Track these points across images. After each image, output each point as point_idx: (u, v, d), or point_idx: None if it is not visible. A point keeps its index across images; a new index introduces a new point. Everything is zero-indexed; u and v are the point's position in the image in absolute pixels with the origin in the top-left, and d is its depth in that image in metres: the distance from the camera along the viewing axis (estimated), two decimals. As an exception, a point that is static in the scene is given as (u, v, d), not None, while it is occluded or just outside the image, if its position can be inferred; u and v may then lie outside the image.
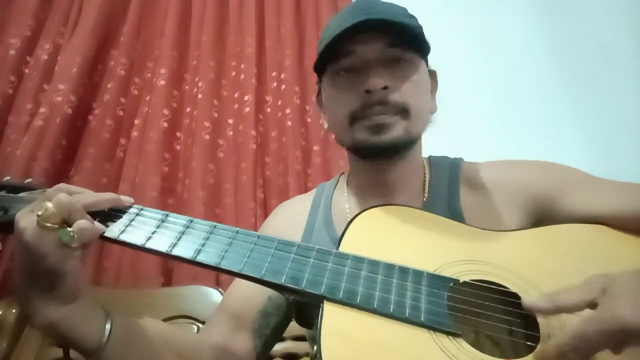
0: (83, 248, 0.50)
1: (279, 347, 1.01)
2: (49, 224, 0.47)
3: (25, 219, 0.49)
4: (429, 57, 0.72)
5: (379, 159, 0.69)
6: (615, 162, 1.21)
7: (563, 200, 0.63)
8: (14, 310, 1.08)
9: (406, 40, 0.64)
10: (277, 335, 0.73)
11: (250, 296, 0.70)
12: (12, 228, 0.50)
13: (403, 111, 0.64)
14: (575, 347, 0.40)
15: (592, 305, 0.42)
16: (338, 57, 0.66)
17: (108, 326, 0.52)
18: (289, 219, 0.79)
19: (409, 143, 0.66)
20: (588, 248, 0.56)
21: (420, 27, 0.67)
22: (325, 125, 0.76)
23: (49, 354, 1.07)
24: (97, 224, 0.53)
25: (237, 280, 0.73)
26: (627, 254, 0.56)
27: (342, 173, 0.82)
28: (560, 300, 0.43)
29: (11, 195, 0.58)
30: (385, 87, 0.63)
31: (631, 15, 1.41)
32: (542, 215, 0.65)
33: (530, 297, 0.46)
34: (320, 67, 0.70)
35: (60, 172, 1.33)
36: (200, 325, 1.08)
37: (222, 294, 1.12)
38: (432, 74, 0.73)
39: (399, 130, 0.63)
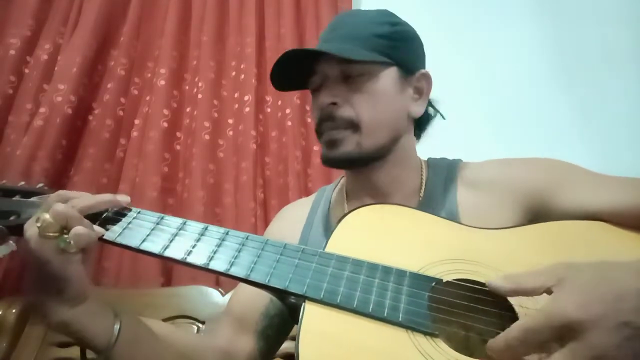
0: (83, 252, 0.53)
1: (279, 347, 1.01)
2: (49, 234, 0.50)
3: (31, 229, 0.52)
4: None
5: (351, 169, 0.73)
6: (614, 163, 1.21)
7: (559, 197, 0.62)
8: (14, 310, 1.09)
9: (359, 56, 0.65)
10: (281, 336, 0.75)
11: (252, 299, 0.72)
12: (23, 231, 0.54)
13: (352, 125, 0.66)
14: (522, 340, 0.39)
15: (549, 292, 0.41)
16: (309, 76, 0.71)
17: (117, 326, 0.54)
18: (290, 221, 0.81)
19: (365, 156, 0.68)
20: (583, 245, 0.55)
21: (388, 36, 0.67)
22: None
23: (49, 354, 1.07)
24: (96, 227, 0.55)
25: (241, 284, 0.74)
26: (627, 251, 0.54)
27: (343, 176, 0.83)
28: (520, 282, 0.43)
29: (23, 200, 0.61)
30: (334, 103, 0.67)
31: (631, 15, 1.41)
32: (539, 212, 0.64)
33: (493, 279, 0.45)
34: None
35: (60, 172, 1.34)
36: (200, 325, 1.08)
37: (222, 294, 1.12)
38: (423, 76, 0.72)
39: (350, 145, 0.67)
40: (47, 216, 0.50)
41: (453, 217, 0.65)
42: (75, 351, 1.06)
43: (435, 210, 0.64)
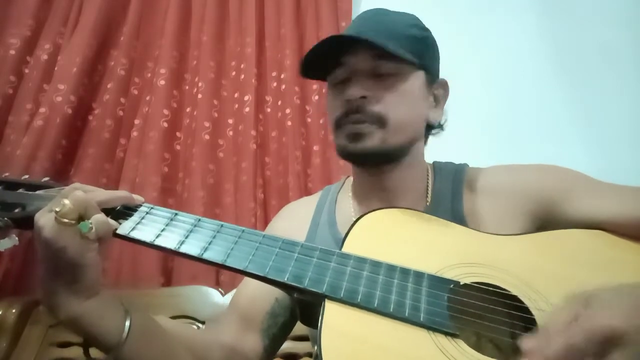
0: (100, 243, 0.52)
1: (279, 347, 1.01)
2: (66, 220, 0.49)
3: (44, 217, 0.51)
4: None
5: (367, 166, 0.72)
6: (614, 163, 1.21)
7: (566, 205, 0.63)
8: (14, 310, 1.08)
9: (393, 54, 0.65)
10: (285, 334, 0.75)
11: (258, 297, 0.72)
12: (30, 224, 0.53)
13: (380, 121, 0.66)
14: (562, 358, 0.39)
15: (579, 317, 0.41)
16: (334, 67, 0.69)
17: (127, 323, 0.54)
18: (294, 220, 0.80)
19: (387, 153, 0.68)
20: (588, 253, 0.57)
21: (419, 40, 0.68)
22: None
23: (49, 354, 1.07)
24: (110, 220, 0.55)
25: (245, 281, 0.75)
26: (626, 260, 0.56)
27: (348, 176, 0.83)
28: (553, 332, 0.41)
29: (29, 192, 0.61)
30: (364, 97, 0.66)
31: (631, 15, 1.41)
32: (545, 220, 0.65)
33: (526, 342, 0.42)
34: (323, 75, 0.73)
35: (60, 172, 1.34)
36: (200, 325, 1.08)
37: (222, 294, 1.12)
38: (441, 84, 0.73)
39: (374, 140, 0.66)
40: (67, 201, 0.50)
41: (461, 223, 0.65)
42: (75, 351, 1.06)
43: (443, 216, 0.64)
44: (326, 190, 0.84)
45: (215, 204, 1.33)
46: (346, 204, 0.77)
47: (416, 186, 0.73)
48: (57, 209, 0.49)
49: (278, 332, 0.72)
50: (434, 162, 0.78)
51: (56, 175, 1.31)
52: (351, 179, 0.81)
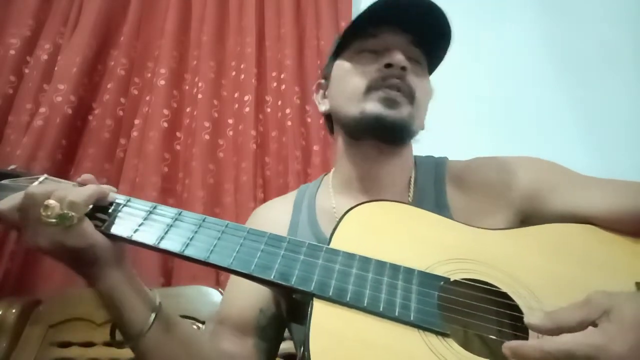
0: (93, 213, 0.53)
1: (278, 347, 1.01)
2: (50, 220, 0.50)
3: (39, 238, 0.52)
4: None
5: (380, 141, 0.69)
6: (614, 163, 1.21)
7: (550, 199, 0.62)
8: (14, 310, 1.08)
9: (428, 41, 0.68)
10: (277, 342, 0.73)
11: (245, 311, 0.70)
12: None
13: (411, 96, 0.67)
14: (558, 359, 0.38)
15: (594, 325, 0.40)
16: (366, 37, 0.69)
17: (153, 315, 0.55)
18: (271, 220, 0.76)
19: (412, 130, 0.68)
20: (577, 248, 0.56)
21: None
22: (324, 108, 0.77)
23: (49, 354, 1.07)
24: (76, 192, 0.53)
25: (229, 290, 0.74)
26: (618, 256, 0.55)
27: (326, 174, 0.81)
28: (562, 321, 0.41)
29: None
30: (404, 68, 0.66)
31: (631, 15, 1.41)
32: (530, 214, 0.64)
33: (532, 316, 0.43)
34: (340, 47, 0.73)
35: (60, 172, 1.33)
36: (200, 325, 1.08)
37: (222, 294, 1.11)
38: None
39: (406, 112, 0.66)
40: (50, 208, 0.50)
41: (445, 217, 0.64)
42: (75, 351, 1.06)
43: (427, 209, 0.62)
44: (302, 188, 0.82)
45: (215, 203, 1.33)
46: (327, 201, 0.75)
47: (401, 179, 0.72)
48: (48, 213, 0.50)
49: (267, 347, 0.70)
50: (415, 157, 0.77)
51: (56, 176, 1.30)
52: (329, 176, 0.79)
